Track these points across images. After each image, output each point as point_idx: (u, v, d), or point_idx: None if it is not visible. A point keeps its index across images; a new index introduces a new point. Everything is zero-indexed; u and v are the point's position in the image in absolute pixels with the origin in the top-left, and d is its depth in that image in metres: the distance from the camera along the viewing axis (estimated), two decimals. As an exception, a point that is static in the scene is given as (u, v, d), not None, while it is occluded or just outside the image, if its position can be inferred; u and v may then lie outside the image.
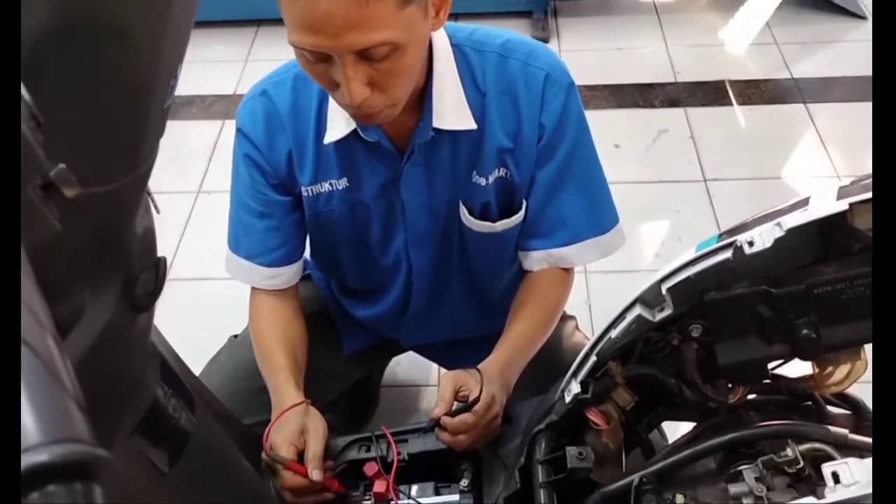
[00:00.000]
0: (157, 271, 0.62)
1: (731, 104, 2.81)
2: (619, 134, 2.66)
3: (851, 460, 0.65)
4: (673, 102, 2.82)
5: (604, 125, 2.58)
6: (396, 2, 0.88)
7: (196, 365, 1.15)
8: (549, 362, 1.30)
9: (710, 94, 2.85)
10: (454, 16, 1.06)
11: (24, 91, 0.32)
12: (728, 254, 0.77)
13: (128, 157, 0.52)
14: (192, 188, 2.56)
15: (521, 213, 1.21)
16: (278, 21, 0.92)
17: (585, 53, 3.06)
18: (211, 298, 2.04)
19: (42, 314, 0.28)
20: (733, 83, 2.89)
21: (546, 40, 3.12)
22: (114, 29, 0.45)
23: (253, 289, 1.29)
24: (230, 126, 2.77)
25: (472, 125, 1.11)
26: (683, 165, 2.56)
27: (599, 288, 2.15)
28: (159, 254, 0.66)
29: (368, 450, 1.12)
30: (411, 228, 1.22)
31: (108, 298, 0.57)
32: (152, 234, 0.65)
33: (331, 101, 1.10)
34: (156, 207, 0.66)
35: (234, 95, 2.92)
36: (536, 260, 1.25)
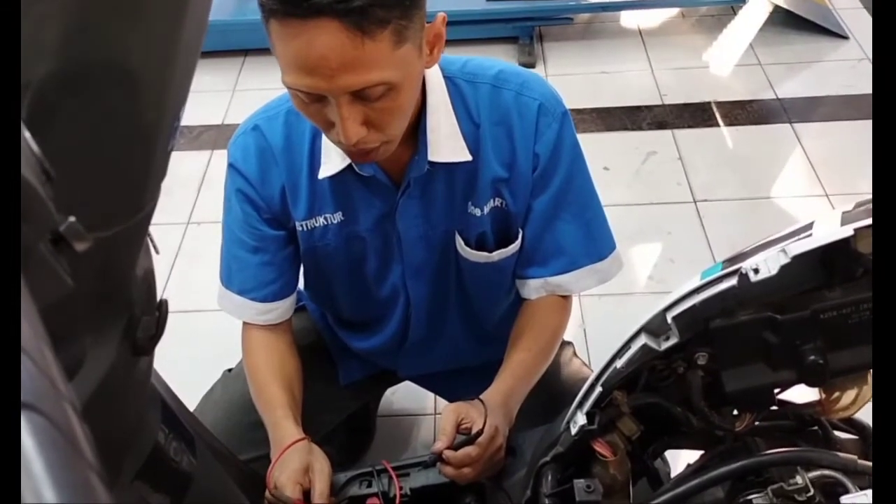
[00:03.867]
0: (158, 314, 0.61)
1: (717, 125, 2.83)
2: (608, 157, 2.67)
3: (869, 492, 0.64)
4: (660, 124, 2.84)
5: (593, 148, 2.57)
6: (391, 42, 0.88)
7: (189, 399, 1.13)
8: (549, 390, 1.29)
9: (696, 115, 2.87)
10: (441, 42, 1.06)
11: (33, 144, 0.31)
12: (733, 281, 0.76)
13: (131, 201, 0.51)
14: (181, 219, 2.55)
15: (518, 242, 1.21)
16: (264, 51, 0.91)
17: (572, 77, 3.09)
18: (203, 331, 2.02)
19: (59, 381, 0.27)
20: (719, 104, 2.91)
21: (532, 65, 3.14)
22: (119, 74, 0.45)
23: (245, 324, 1.27)
24: (219, 156, 2.77)
25: (467, 157, 1.11)
26: (673, 187, 2.58)
27: (594, 312, 2.14)
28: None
29: (370, 485, 1.10)
30: (408, 260, 1.21)
31: (110, 343, 0.56)
32: (152, 275, 0.64)
33: (324, 135, 1.09)
34: (155, 248, 0.65)
35: (223, 125, 2.91)
36: (534, 288, 1.25)
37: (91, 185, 0.42)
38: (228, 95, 3.11)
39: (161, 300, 0.63)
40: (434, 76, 1.08)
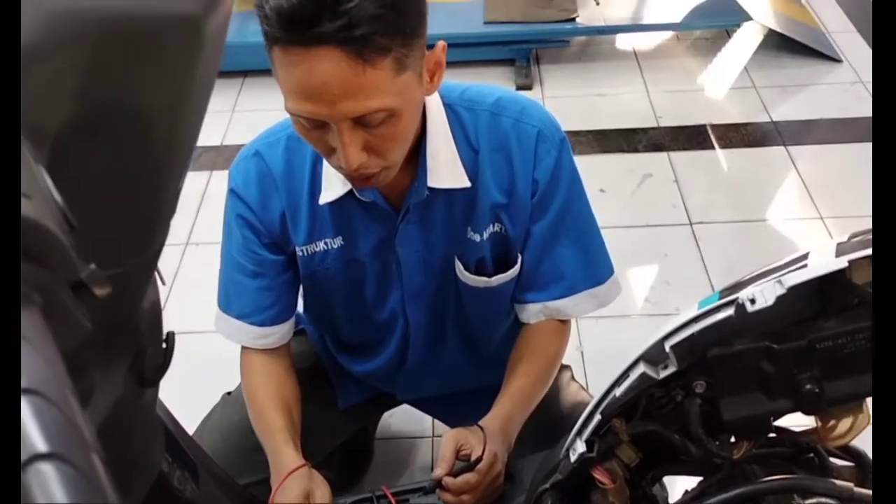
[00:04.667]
0: (166, 346, 0.61)
1: (713, 148, 2.85)
2: (604, 179, 2.69)
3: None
4: (656, 147, 2.86)
5: (589, 170, 2.58)
6: (392, 69, 0.89)
7: (187, 421, 1.14)
8: (547, 414, 1.30)
9: (692, 138, 2.90)
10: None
11: (56, 194, 0.32)
12: (730, 311, 0.77)
13: (142, 239, 0.52)
14: (180, 240, 2.55)
15: (517, 267, 1.22)
16: (263, 72, 0.92)
17: (568, 100, 3.11)
18: (201, 353, 2.01)
19: (86, 431, 0.28)
20: (714, 127, 2.94)
21: (529, 87, 3.17)
22: (135, 118, 0.46)
23: (244, 348, 1.28)
24: (218, 177, 2.78)
25: (466, 183, 1.12)
26: (669, 209, 2.59)
27: (591, 334, 2.15)
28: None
29: (369, 511, 1.10)
30: (407, 284, 1.22)
31: (117, 376, 0.57)
32: (158, 307, 0.65)
33: (325, 161, 1.11)
34: (161, 279, 0.66)
35: (222, 146, 2.93)
36: (533, 312, 1.26)
37: (104, 224, 0.43)
38: (227, 116, 3.12)
39: (168, 333, 0.64)
40: (434, 103, 1.10)
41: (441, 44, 1.00)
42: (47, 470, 0.26)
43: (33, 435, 0.26)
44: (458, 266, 1.20)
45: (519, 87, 3.17)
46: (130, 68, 0.45)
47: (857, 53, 3.26)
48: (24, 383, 0.27)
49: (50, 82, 0.40)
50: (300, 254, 1.19)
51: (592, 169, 2.70)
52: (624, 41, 3.48)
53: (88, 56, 0.42)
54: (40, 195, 0.32)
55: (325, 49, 0.85)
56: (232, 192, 1.18)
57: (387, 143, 0.96)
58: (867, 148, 2.74)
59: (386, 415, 1.76)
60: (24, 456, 0.26)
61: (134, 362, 0.59)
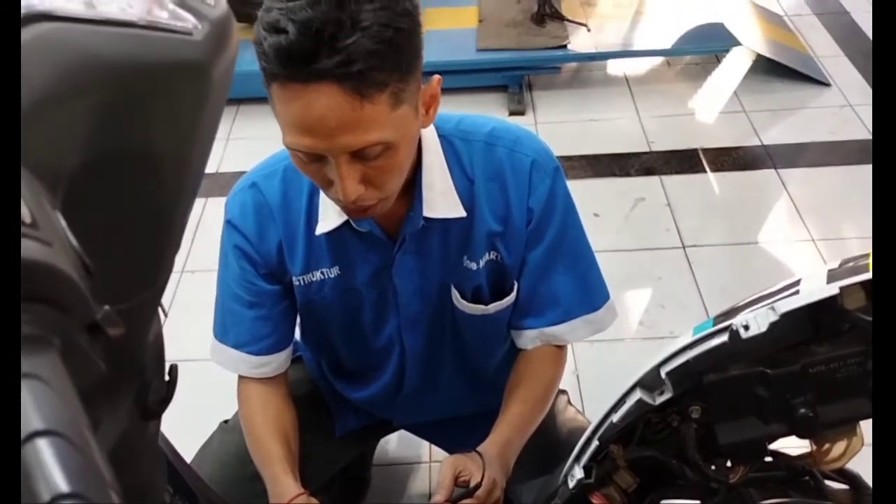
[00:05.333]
0: (169, 378, 0.62)
1: (704, 171, 2.88)
2: (597, 203, 2.71)
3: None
4: (648, 171, 2.89)
5: (582, 195, 2.60)
6: (389, 103, 0.91)
7: (184, 449, 1.14)
8: (545, 439, 1.30)
9: (683, 162, 2.93)
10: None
11: (73, 240, 0.34)
12: (724, 337, 0.79)
13: (149, 275, 0.54)
14: (175, 268, 2.55)
15: (513, 294, 1.23)
16: (258, 100, 0.94)
17: (561, 125, 3.14)
18: (198, 381, 2.01)
19: (104, 469, 0.29)
20: (706, 151, 2.97)
21: (522, 113, 3.20)
22: (144, 160, 0.47)
23: (241, 377, 1.29)
24: (213, 204, 2.78)
25: (462, 213, 1.13)
26: (662, 233, 2.61)
27: (587, 357, 2.16)
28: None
29: (369, 538, 1.10)
30: (404, 312, 1.23)
31: (122, 410, 0.58)
32: (161, 340, 0.66)
33: (323, 192, 1.12)
34: (164, 312, 0.67)
35: (217, 174, 2.94)
36: (530, 338, 1.27)
37: (111, 262, 0.44)
38: (223, 144, 3.14)
39: (171, 365, 0.64)
40: (429, 135, 1.12)
41: (436, 77, 1.02)
42: None
43: (55, 476, 0.27)
44: (455, 294, 1.21)
45: (512, 113, 3.20)
46: (140, 114, 0.46)
47: (846, 77, 3.30)
48: (45, 425, 0.28)
49: (64, 129, 0.41)
50: (297, 283, 1.20)
51: (586, 193, 2.72)
52: (615, 67, 3.52)
53: (100, 103, 0.43)
54: (59, 241, 0.33)
55: (322, 85, 0.87)
56: (229, 223, 1.19)
57: (384, 175, 0.98)
58: (856, 170, 2.77)
59: (383, 441, 1.76)
60: (47, 496, 0.27)
61: (138, 395, 0.60)
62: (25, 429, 0.28)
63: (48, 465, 0.28)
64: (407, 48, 0.91)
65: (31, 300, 0.31)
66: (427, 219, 1.12)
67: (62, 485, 0.27)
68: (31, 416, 0.29)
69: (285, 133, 0.94)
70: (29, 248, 0.30)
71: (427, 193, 1.10)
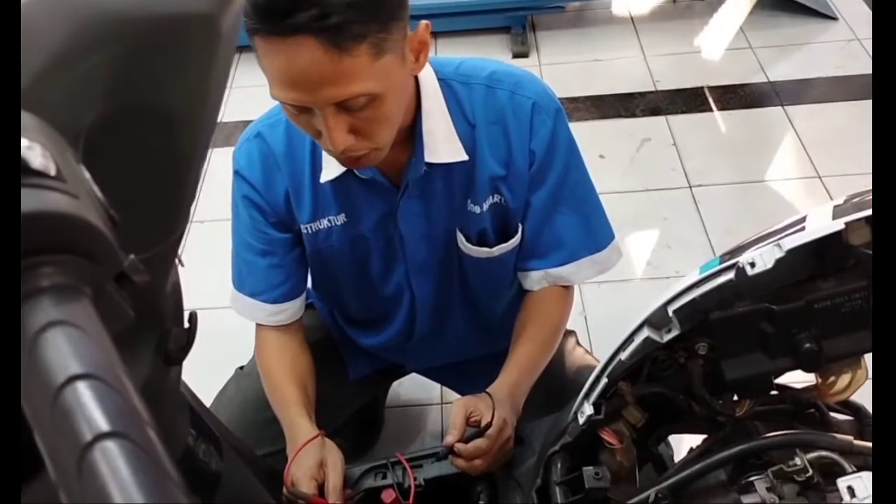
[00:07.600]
0: (189, 325, 0.64)
1: (710, 110, 2.86)
2: (603, 144, 2.70)
3: (865, 474, 0.68)
4: (654, 111, 2.87)
5: (588, 136, 2.62)
6: (370, 55, 0.90)
7: (200, 395, 1.17)
8: (554, 379, 1.32)
9: (689, 100, 2.90)
10: (434, 34, 1.08)
11: (98, 192, 0.35)
12: (731, 275, 0.80)
13: (166, 225, 0.55)
14: (184, 219, 2.57)
15: (518, 237, 1.24)
16: None
17: (565, 66, 3.11)
18: (213, 329, 2.04)
19: (142, 409, 0.31)
20: (712, 89, 2.94)
21: (526, 54, 3.16)
22: (159, 115, 0.48)
23: (258, 325, 1.31)
24: (218, 154, 2.78)
25: (464, 157, 1.14)
26: (668, 173, 2.61)
27: (594, 299, 2.18)
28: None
29: (384, 477, 1.14)
30: (411, 258, 1.24)
31: (145, 357, 0.60)
32: (180, 289, 0.67)
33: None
34: (180, 261, 0.68)
35: (220, 123, 2.93)
36: (536, 280, 1.28)
37: (130, 214, 0.45)
38: (225, 93, 3.12)
39: (191, 312, 0.66)
40: (428, 79, 1.11)
41: (424, 23, 1.01)
42: (111, 447, 0.28)
43: (97, 416, 0.29)
44: (460, 238, 1.22)
45: (515, 55, 3.16)
46: (153, 68, 0.47)
47: (853, 11, 3.25)
48: (83, 369, 0.30)
49: (81, 85, 0.42)
50: (305, 231, 1.21)
51: (591, 135, 2.71)
52: (619, 5, 3.46)
53: (114, 58, 0.44)
54: (85, 194, 0.34)
55: (301, 38, 0.87)
56: (237, 173, 1.20)
57: (372, 125, 0.98)
58: (863, 105, 2.75)
59: (396, 383, 1.79)
60: (89, 436, 0.28)
61: (159, 343, 0.62)
62: (65, 373, 0.30)
63: (88, 406, 0.29)
64: None
65: (62, 251, 0.32)
66: (429, 164, 1.12)
67: (103, 424, 0.29)
68: (70, 360, 0.30)
69: (271, 86, 0.94)
70: (58, 201, 0.31)
71: (428, 138, 1.11)
